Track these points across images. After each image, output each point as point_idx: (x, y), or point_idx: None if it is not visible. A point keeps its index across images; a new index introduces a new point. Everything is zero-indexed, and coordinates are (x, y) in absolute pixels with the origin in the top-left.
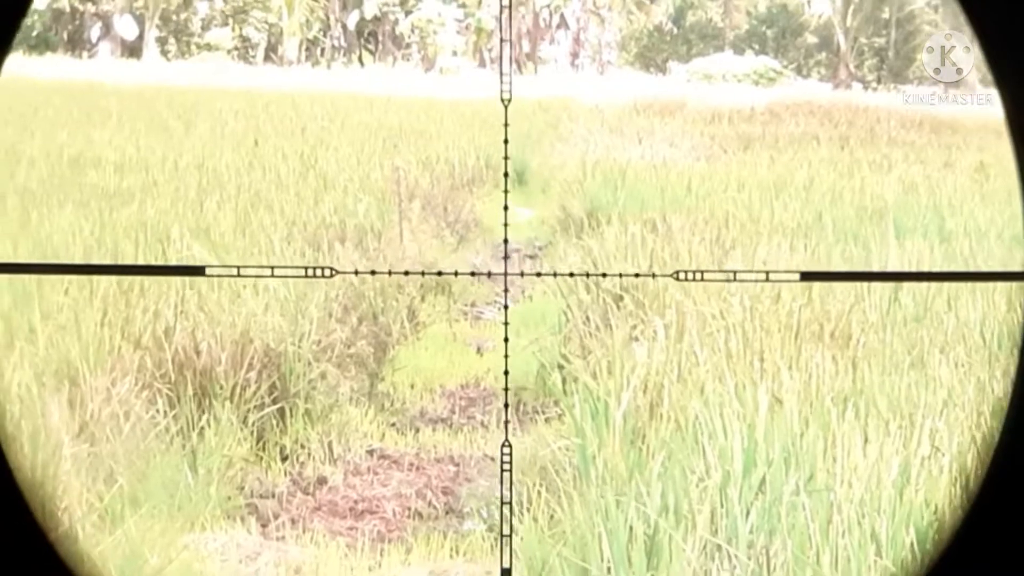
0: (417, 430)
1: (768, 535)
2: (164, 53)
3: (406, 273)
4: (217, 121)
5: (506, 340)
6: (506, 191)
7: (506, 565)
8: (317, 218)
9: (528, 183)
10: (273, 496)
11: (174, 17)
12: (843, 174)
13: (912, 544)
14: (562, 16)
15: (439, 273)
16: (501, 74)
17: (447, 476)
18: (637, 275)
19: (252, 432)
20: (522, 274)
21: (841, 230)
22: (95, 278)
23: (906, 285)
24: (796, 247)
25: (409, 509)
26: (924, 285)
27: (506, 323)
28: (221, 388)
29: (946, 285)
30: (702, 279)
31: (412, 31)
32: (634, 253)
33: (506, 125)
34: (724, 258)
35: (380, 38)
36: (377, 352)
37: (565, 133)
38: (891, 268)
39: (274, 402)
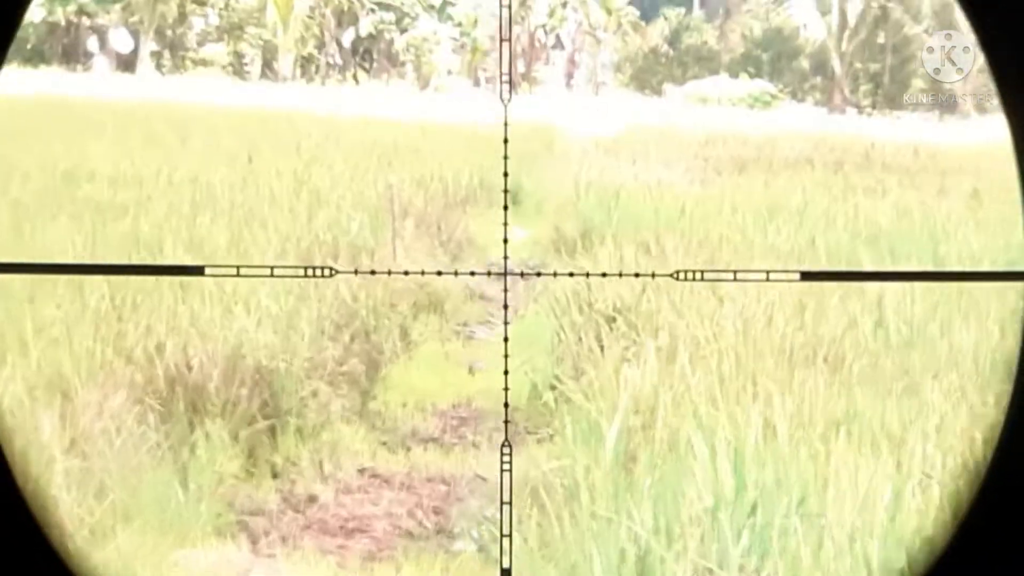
0: (408, 449)
1: (760, 558)
2: (159, 67)
3: (406, 273)
4: (211, 136)
5: (506, 340)
6: (506, 190)
7: (506, 565)
8: (311, 234)
9: (522, 203)
10: (263, 513)
11: (169, 32)
12: (837, 198)
13: (903, 570)
14: (558, 37)
15: (439, 273)
16: (500, 74)
17: (438, 495)
18: (637, 275)
19: (243, 449)
20: (523, 274)
21: (835, 254)
22: (88, 292)
23: (900, 311)
24: (789, 271)
25: (399, 528)
26: (919, 310)
27: (506, 322)
28: (212, 404)
29: (940, 310)
30: (702, 279)
31: (407, 49)
32: (627, 274)
33: (506, 125)
34: (717, 282)
35: (375, 56)
36: (369, 370)
37: (559, 153)
38: (885, 294)
39: (265, 419)
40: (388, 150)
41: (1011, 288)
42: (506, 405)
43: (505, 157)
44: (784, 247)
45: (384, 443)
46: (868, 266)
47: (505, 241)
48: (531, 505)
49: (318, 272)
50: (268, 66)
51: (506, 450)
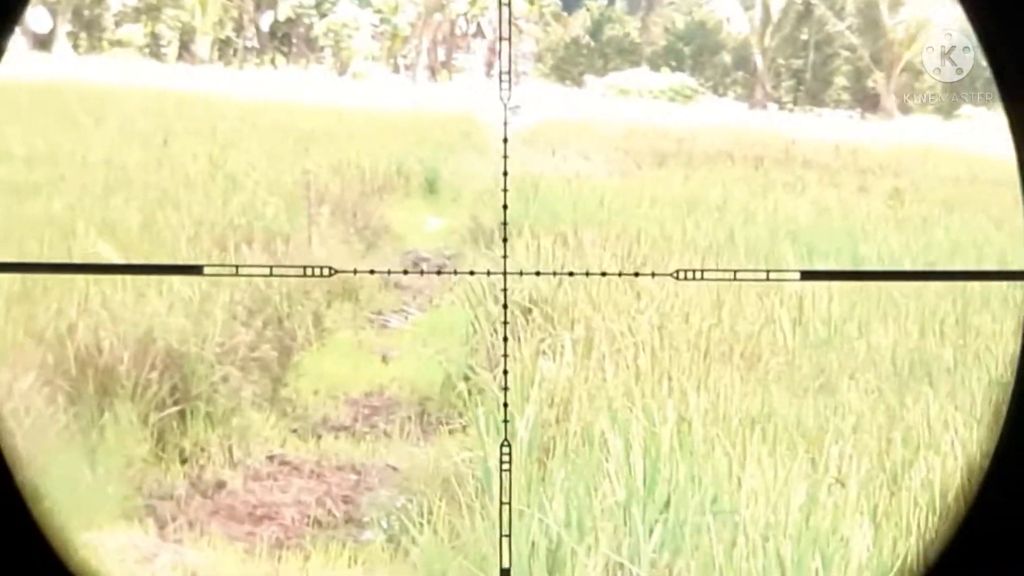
0: (319, 437)
1: (672, 554)
2: (75, 47)
3: (405, 272)
4: (127, 118)
5: (505, 339)
6: (505, 189)
7: (505, 565)
8: (225, 219)
9: (439, 192)
10: (171, 498)
11: (86, 12)
12: (756, 194)
13: (817, 570)
14: (479, 25)
15: (438, 272)
16: (501, 74)
17: (348, 484)
18: (637, 274)
19: (152, 433)
20: (521, 273)
21: (753, 250)
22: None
23: (818, 309)
24: (707, 265)
25: (308, 516)
26: (836, 309)
27: (505, 323)
28: (122, 387)
29: (858, 310)
30: (702, 278)
31: (327, 34)
32: (544, 266)
33: (505, 124)
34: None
35: (294, 40)
36: (281, 357)
37: (478, 143)
38: (804, 292)
39: (175, 403)
40: (305, 135)
41: (929, 289)
42: (505, 405)
43: (505, 156)
44: (703, 242)
45: (295, 430)
46: (792, 263)
47: (505, 241)
48: (441, 496)
49: (317, 272)
50: (185, 48)
51: (506, 449)
